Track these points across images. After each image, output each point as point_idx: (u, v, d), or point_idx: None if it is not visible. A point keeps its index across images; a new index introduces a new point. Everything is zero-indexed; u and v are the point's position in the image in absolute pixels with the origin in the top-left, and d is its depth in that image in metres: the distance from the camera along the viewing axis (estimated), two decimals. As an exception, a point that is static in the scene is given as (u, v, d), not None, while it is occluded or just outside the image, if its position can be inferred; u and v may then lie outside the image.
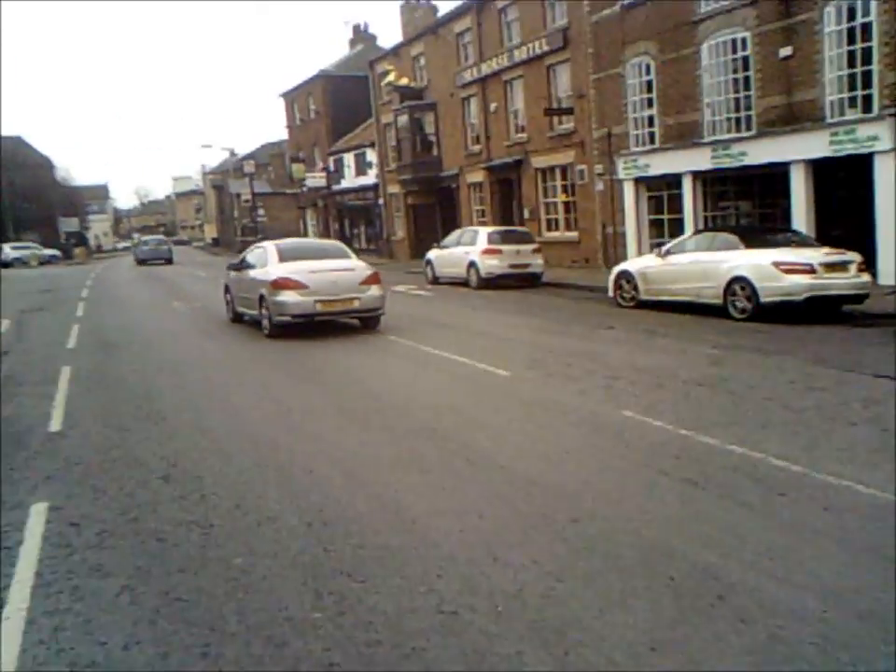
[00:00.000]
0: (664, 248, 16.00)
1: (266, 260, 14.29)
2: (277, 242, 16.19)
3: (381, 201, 39.82)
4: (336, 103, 45.21)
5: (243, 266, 15.69)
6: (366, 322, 14.39)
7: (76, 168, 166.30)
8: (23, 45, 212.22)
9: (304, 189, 48.68)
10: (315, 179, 44.73)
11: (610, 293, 16.87)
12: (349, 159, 43.28)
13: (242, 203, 61.32)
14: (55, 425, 8.05)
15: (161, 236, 68.41)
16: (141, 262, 48.55)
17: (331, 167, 44.94)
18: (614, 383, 9.01)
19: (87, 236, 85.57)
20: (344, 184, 43.60)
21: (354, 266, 14.19)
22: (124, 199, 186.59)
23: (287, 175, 69.69)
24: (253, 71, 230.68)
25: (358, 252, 44.37)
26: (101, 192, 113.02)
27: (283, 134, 77.30)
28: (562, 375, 9.54)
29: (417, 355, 11.50)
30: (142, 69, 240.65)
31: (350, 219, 45.10)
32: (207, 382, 10.08)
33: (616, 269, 17.14)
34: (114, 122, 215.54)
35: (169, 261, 47.74)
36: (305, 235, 51.49)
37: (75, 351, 13.10)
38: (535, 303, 18.44)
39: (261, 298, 13.83)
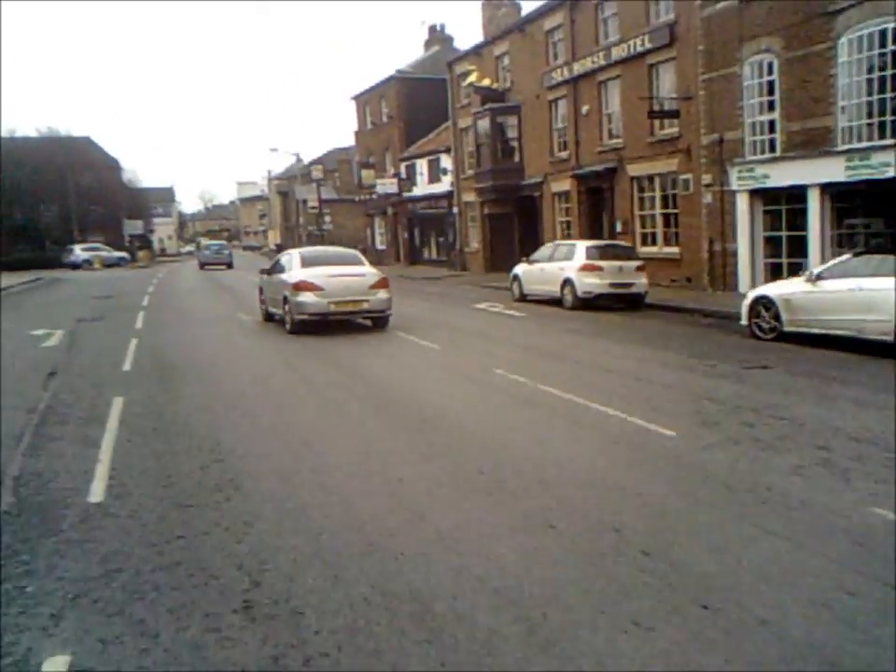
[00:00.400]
0: (814, 272, 13.58)
1: (291, 265, 15.98)
2: (302, 249, 18.69)
3: (455, 209, 37.81)
4: (410, 106, 43.44)
5: (273, 270, 17.22)
6: (375, 322, 16.19)
7: (142, 170, 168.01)
8: (91, 44, 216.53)
9: (374, 195, 46.98)
10: (386, 185, 42.96)
11: (744, 321, 14.49)
12: (422, 165, 41.41)
13: (308, 209, 59.99)
14: (96, 492, 6.10)
15: (222, 242, 69.67)
16: (203, 266, 49.99)
17: (403, 173, 43.12)
18: (831, 456, 6.73)
19: (151, 239, 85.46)
20: (416, 191, 41.73)
21: (365, 272, 15.92)
22: (189, 203, 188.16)
23: (354, 181, 68.40)
24: (322, 74, 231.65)
25: (429, 264, 43.01)
26: (166, 195, 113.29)
27: (350, 140, 76.34)
28: (749, 440, 7.29)
29: (539, 398, 9.33)
30: (210, 71, 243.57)
31: (421, 228, 43.21)
32: (289, 429, 8.04)
33: (752, 294, 14.75)
34: (181, 125, 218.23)
35: (229, 266, 47.83)
36: (372, 244, 49.87)
37: (130, 375, 11.26)
38: (650, 330, 16.13)
39: (285, 298, 15.58)
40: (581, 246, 20.43)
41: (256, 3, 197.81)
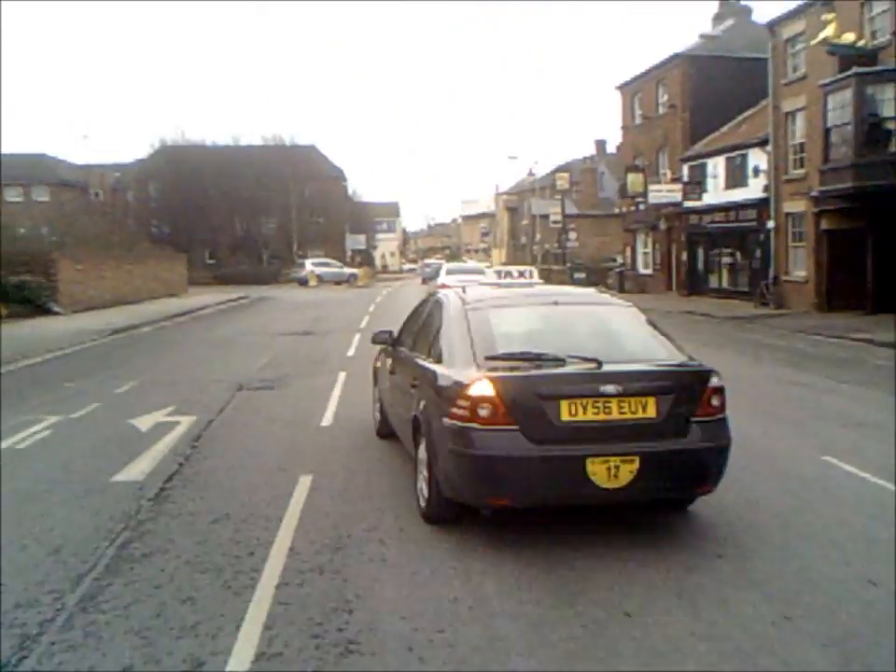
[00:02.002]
0: None
1: (440, 273, 26.33)
2: (448, 264, 34.41)
3: (769, 224, 27.45)
4: (698, 92, 33.49)
5: (432, 276, 28.99)
6: None
7: (365, 185, 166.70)
8: (320, 52, 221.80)
9: (637, 207, 37.44)
10: (662, 193, 33.26)
11: None
12: (716, 165, 31.32)
13: (551, 223, 51.31)
14: None
15: (441, 260, 67.29)
16: (424, 281, 49.28)
17: (685, 176, 33.29)
18: None
19: (373, 255, 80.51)
20: (706, 199, 31.69)
21: (482, 279, 20.69)
22: (410, 220, 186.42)
23: (598, 192, 59.25)
24: (569, 71, 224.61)
25: (717, 295, 32.44)
26: (391, 210, 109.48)
27: (590, 149, 67.34)
28: None
29: None
30: (439, 83, 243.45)
31: (706, 248, 33.01)
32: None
33: None
34: (407, 142, 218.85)
35: None
36: (633, 265, 40.32)
37: None
38: None
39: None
40: None
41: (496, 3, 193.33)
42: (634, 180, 36.16)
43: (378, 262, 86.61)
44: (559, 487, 4.92)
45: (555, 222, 49.10)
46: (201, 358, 15.12)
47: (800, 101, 25.92)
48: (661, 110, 36.50)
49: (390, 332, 7.93)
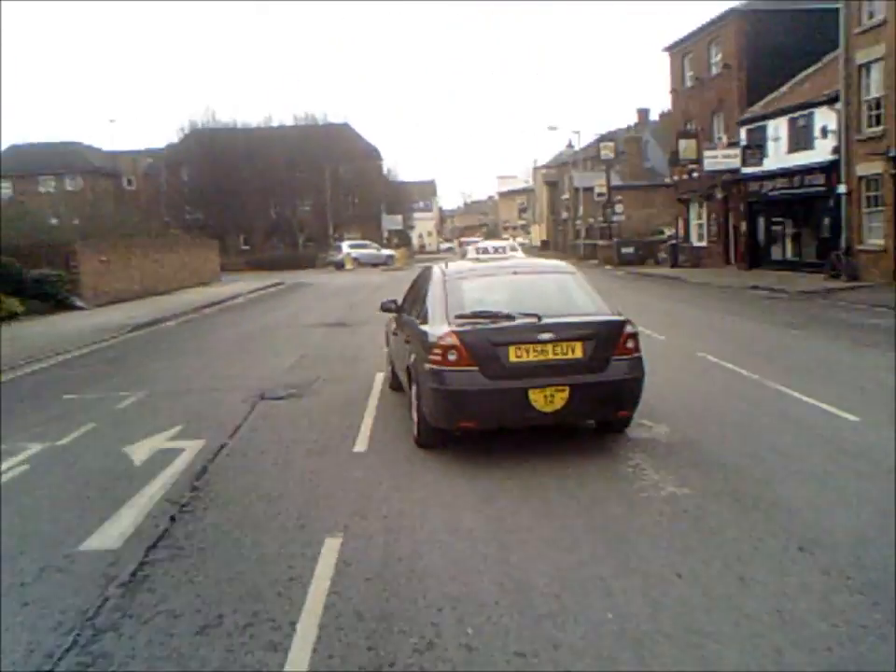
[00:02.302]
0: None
1: (467, 252, 25.38)
2: (478, 243, 33.89)
3: (841, 188, 25.13)
4: (754, 50, 31.07)
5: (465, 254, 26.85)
6: None
7: (400, 164, 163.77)
8: (352, 35, 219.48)
9: (690, 175, 35.15)
10: (717, 159, 30.99)
11: None
12: (778, 127, 28.93)
13: (595, 196, 48.99)
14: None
15: (478, 237, 70.81)
16: (463, 257, 45.43)
17: (742, 141, 30.94)
18: None
19: (410, 235, 78.72)
20: (767, 165, 29.38)
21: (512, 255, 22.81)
22: (446, 199, 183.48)
23: (644, 163, 56.62)
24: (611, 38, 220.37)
25: (781, 267, 30.10)
26: (428, 189, 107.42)
27: (632, 118, 65.00)
28: None
29: None
30: (474, 52, 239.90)
31: (767, 217, 30.67)
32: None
33: None
34: (441, 118, 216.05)
35: None
36: (686, 237, 38.01)
37: None
38: None
39: None
40: None
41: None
42: (687, 146, 33.87)
43: (415, 242, 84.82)
44: (510, 412, 6.45)
45: (600, 195, 46.81)
46: (223, 359, 13.56)
47: (877, 50, 23.51)
48: (714, 71, 34.07)
49: (395, 301, 9.11)
